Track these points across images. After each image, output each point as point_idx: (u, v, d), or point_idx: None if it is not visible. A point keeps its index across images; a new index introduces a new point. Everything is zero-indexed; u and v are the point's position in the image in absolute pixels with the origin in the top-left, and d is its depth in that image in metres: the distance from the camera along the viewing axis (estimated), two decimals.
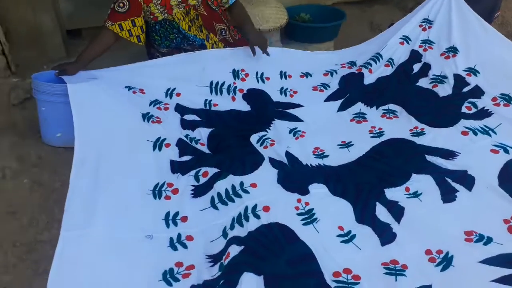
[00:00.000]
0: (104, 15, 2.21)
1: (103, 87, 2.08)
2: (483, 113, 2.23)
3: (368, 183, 1.84)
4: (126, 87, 2.19)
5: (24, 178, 2.00)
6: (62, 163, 2.05)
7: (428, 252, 1.50)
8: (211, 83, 2.32)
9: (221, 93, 2.32)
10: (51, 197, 1.92)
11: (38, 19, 2.71)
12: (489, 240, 1.52)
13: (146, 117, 2.07)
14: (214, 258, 1.53)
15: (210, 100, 2.28)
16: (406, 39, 2.61)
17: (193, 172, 1.87)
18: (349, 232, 1.63)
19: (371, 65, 2.54)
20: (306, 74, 2.54)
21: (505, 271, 1.35)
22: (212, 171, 1.87)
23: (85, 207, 1.60)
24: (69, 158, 1.82)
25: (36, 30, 2.73)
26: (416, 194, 1.76)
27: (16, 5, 2.61)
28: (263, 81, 2.42)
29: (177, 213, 1.70)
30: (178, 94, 2.25)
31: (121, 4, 2.20)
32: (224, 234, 1.62)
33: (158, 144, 1.96)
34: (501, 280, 1.31)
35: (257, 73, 2.43)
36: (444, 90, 2.40)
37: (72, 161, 1.77)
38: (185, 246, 1.59)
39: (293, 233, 1.60)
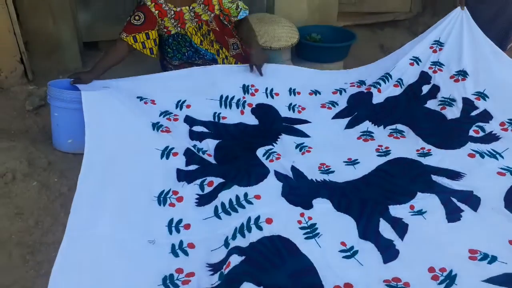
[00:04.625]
0: (121, 29, 2.29)
1: (116, 96, 2.13)
2: (491, 137, 2.22)
3: (372, 199, 1.84)
4: (138, 97, 2.24)
5: (33, 181, 2.03)
6: (70, 168, 2.09)
7: (431, 270, 1.48)
8: (221, 96, 2.36)
9: (230, 107, 2.35)
10: (57, 201, 1.95)
11: (57, 30, 2.81)
12: (494, 259, 1.50)
13: (156, 126, 2.10)
14: (215, 267, 1.53)
15: (219, 113, 2.32)
16: (416, 60, 2.63)
17: (198, 181, 1.89)
18: (352, 247, 1.62)
19: (380, 85, 2.56)
20: (315, 92, 2.57)
21: None
22: (217, 181, 1.89)
23: (91, 209, 1.63)
24: (78, 163, 1.85)
25: (55, 40, 2.83)
26: (420, 212, 1.75)
27: (37, 16, 2.72)
28: (272, 97, 2.46)
29: (180, 220, 1.71)
30: (188, 106, 2.29)
31: (136, 17, 2.28)
32: (226, 244, 1.62)
33: (166, 152, 1.99)
34: None
35: (266, 88, 2.47)
36: (453, 112, 2.40)
37: (81, 167, 1.80)
38: (186, 253, 1.59)
39: (295, 247, 1.60)
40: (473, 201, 1.79)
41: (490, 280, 1.40)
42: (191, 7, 2.37)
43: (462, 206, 1.77)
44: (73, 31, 2.85)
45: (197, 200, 1.81)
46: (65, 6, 2.75)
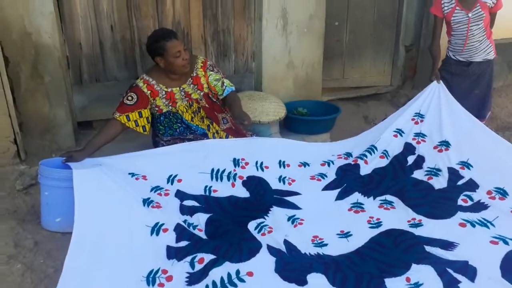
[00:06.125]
0: (114, 109, 2.37)
1: (107, 174, 2.12)
2: (480, 206, 2.25)
3: (368, 273, 1.81)
4: (129, 173, 2.24)
5: (18, 263, 1.96)
6: (58, 248, 2.03)
7: None
8: (212, 170, 2.39)
9: (221, 180, 2.37)
10: (42, 283, 1.87)
11: (52, 112, 2.89)
12: None
13: (147, 202, 2.09)
14: None
15: (210, 187, 2.32)
16: (399, 132, 2.73)
17: (188, 259, 1.85)
18: None
19: (366, 157, 2.63)
20: (304, 164, 2.61)
21: None
22: (208, 257, 1.85)
23: None
24: (66, 243, 1.81)
25: (50, 121, 2.90)
26: (417, 285, 1.71)
27: (33, 100, 2.81)
28: (262, 170, 2.49)
29: None
30: (179, 180, 2.30)
31: (129, 98, 2.38)
32: None
33: (156, 229, 1.96)
34: None
35: (256, 162, 2.51)
36: (439, 182, 2.45)
37: (68, 246, 1.76)
38: None
39: None
40: (469, 271, 1.77)
41: None
42: (181, 88, 2.50)
43: (459, 277, 1.75)
44: (68, 112, 2.94)
45: (187, 279, 1.75)
46: (61, 90, 2.86)
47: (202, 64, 2.58)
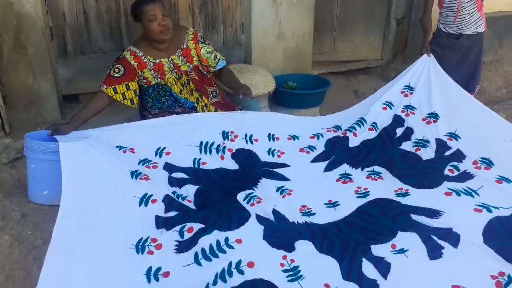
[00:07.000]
0: (101, 82, 2.33)
1: (94, 146, 2.11)
2: (465, 176, 2.28)
3: (354, 240, 1.84)
4: (117, 146, 2.22)
5: (6, 235, 1.96)
6: (45, 220, 2.03)
7: None
8: (201, 143, 2.37)
9: (210, 152, 2.36)
10: (30, 254, 1.87)
11: (36, 84, 2.83)
12: None
13: (135, 174, 2.08)
14: None
15: (199, 159, 2.31)
16: (388, 104, 2.73)
17: (177, 228, 1.86)
18: None
19: (355, 129, 2.63)
20: (293, 137, 2.61)
21: None
22: (197, 226, 1.86)
23: (65, 261, 1.57)
24: (53, 215, 1.80)
25: (34, 94, 2.85)
26: (402, 250, 1.75)
27: (17, 71, 2.75)
28: (251, 142, 2.48)
29: (159, 269, 1.66)
30: (167, 153, 2.29)
31: (116, 70, 2.33)
32: None
33: (145, 200, 1.96)
34: None
35: (246, 135, 2.50)
36: (427, 153, 2.47)
37: (56, 218, 1.75)
38: None
39: None
40: (453, 237, 1.81)
41: None
42: (170, 59, 2.45)
43: (442, 243, 1.78)
44: (53, 84, 2.88)
45: (176, 247, 1.77)
46: (45, 61, 2.80)
47: (192, 36, 2.53)
